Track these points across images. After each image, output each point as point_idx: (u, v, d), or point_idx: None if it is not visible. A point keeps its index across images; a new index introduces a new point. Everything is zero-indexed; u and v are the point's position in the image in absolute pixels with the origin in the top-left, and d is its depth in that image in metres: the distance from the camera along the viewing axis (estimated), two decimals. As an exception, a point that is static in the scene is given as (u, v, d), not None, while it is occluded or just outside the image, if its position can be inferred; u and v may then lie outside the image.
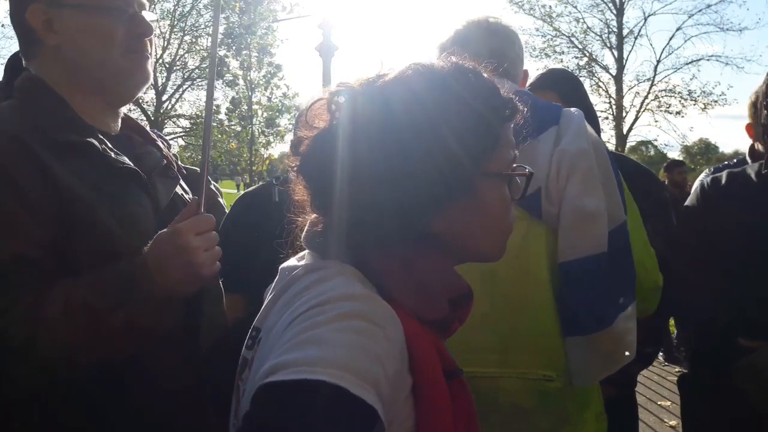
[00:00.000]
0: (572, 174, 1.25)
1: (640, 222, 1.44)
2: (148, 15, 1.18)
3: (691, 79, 26.93)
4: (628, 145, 20.84)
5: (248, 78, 23.30)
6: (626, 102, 20.50)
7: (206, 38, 19.50)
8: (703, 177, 1.88)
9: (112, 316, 0.97)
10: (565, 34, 20.90)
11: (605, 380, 1.35)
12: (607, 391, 1.43)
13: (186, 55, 20.87)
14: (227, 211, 1.87)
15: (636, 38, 20.42)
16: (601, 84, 20.66)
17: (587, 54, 20.85)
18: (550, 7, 20.79)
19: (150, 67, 1.20)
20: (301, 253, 0.85)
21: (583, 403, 1.32)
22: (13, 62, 1.65)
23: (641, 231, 1.44)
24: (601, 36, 20.72)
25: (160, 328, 1.04)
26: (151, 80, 1.23)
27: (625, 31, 20.53)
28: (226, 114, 22.00)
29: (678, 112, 20.05)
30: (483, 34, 1.41)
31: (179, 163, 1.33)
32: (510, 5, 20.60)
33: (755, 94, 1.78)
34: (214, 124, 16.76)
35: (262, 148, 23.51)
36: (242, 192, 2.44)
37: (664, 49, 20.37)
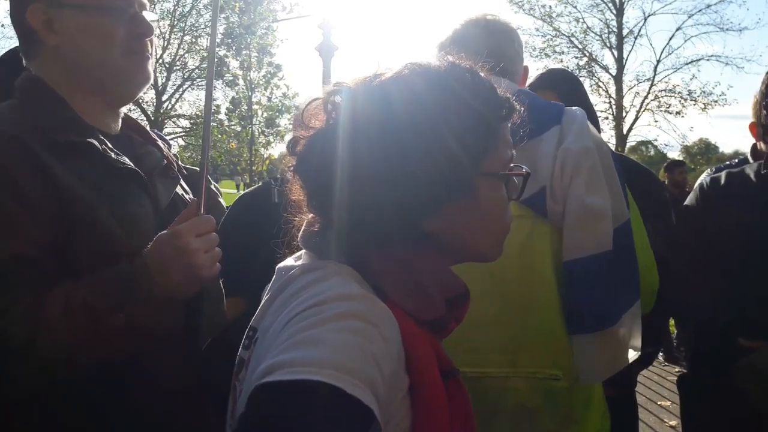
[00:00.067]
0: (577, 173, 1.25)
1: (640, 222, 1.44)
2: (148, 15, 1.18)
3: (691, 79, 26.84)
4: (628, 145, 20.83)
5: (248, 78, 23.29)
6: (626, 102, 20.52)
7: (206, 38, 19.49)
8: (704, 177, 1.88)
9: (112, 317, 0.97)
10: (565, 34, 20.92)
11: (605, 380, 1.36)
12: (607, 391, 1.43)
13: (186, 55, 20.88)
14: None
15: (636, 38, 20.44)
16: (601, 84, 20.68)
17: (587, 54, 20.86)
18: (550, 7, 20.81)
19: (150, 68, 1.20)
20: (298, 253, 0.85)
21: (589, 401, 1.32)
22: (5, 58, 1.64)
23: (642, 231, 1.44)
24: (601, 36, 20.74)
25: (160, 329, 1.04)
26: (152, 80, 1.23)
27: (625, 31, 20.54)
28: (226, 114, 22.01)
29: (678, 112, 20.05)
30: (481, 33, 1.41)
31: (179, 163, 1.33)
32: (510, 5, 20.63)
33: (758, 93, 1.78)
34: (214, 124, 16.78)
35: (262, 148, 23.51)
36: (242, 192, 2.44)
37: (664, 49, 20.38)
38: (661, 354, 5.59)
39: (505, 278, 1.24)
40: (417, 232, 0.77)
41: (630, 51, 20.61)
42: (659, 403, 4.57)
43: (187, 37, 20.36)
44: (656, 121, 20.35)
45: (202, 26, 20.06)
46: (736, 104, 22.83)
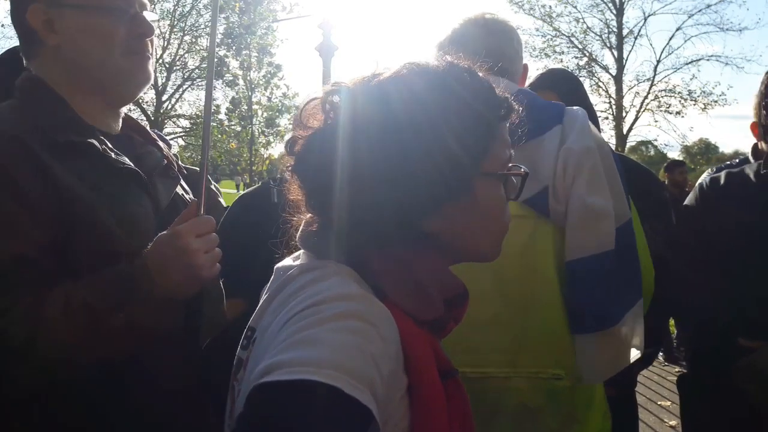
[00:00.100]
0: (579, 172, 1.25)
1: (639, 225, 1.44)
2: (149, 15, 1.18)
3: (691, 79, 26.91)
4: (628, 145, 20.83)
5: (248, 78, 23.30)
6: (626, 102, 20.52)
7: (206, 38, 19.48)
8: (704, 177, 1.88)
9: (112, 317, 0.97)
10: (565, 34, 20.92)
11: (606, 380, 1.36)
12: (607, 391, 1.43)
13: (186, 55, 20.89)
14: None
15: (636, 38, 20.45)
16: (601, 84, 20.68)
17: (587, 54, 20.86)
18: (550, 7, 20.81)
19: (151, 68, 1.20)
20: (297, 253, 0.85)
21: (590, 401, 1.32)
22: (5, 58, 1.64)
23: (640, 233, 1.45)
24: (601, 36, 20.74)
25: (160, 329, 1.04)
26: (152, 80, 1.23)
27: (625, 31, 20.55)
28: (226, 114, 22.03)
29: (678, 112, 20.06)
30: (480, 32, 1.41)
31: (179, 163, 1.33)
32: (510, 5, 20.63)
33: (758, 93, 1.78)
34: (214, 124, 16.78)
35: (262, 148, 23.53)
36: (242, 192, 2.44)
37: (664, 49, 20.40)
38: (661, 354, 5.59)
39: (507, 278, 1.24)
40: (417, 232, 0.77)
41: (630, 51, 20.66)
42: (659, 403, 4.57)
43: (187, 37, 20.38)
44: (656, 121, 20.38)
45: (202, 26, 20.08)
46: (736, 104, 22.86)
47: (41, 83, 1.13)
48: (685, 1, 53.27)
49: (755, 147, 2.13)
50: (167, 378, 1.10)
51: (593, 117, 1.99)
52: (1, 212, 0.96)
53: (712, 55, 19.99)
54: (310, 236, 0.82)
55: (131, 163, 1.13)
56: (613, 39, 20.61)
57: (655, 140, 21.71)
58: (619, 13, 20.53)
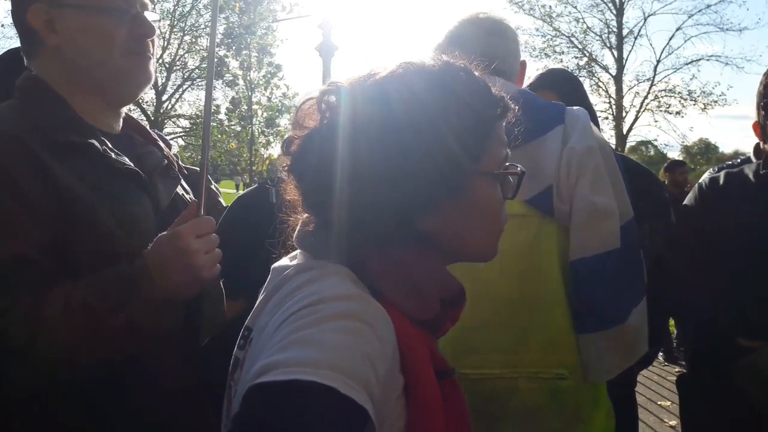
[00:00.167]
0: (582, 172, 1.25)
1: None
2: (150, 15, 1.18)
3: (691, 79, 26.92)
4: (628, 145, 20.83)
5: (248, 78, 23.30)
6: (626, 102, 20.51)
7: (206, 38, 19.49)
8: (705, 177, 1.88)
9: (112, 317, 0.97)
10: (564, 34, 20.91)
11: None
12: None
13: (186, 55, 20.89)
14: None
15: (636, 38, 20.44)
16: (601, 84, 20.67)
17: (587, 54, 20.85)
18: (550, 7, 20.80)
19: (152, 68, 1.20)
20: (293, 253, 0.85)
21: (595, 400, 1.32)
22: (5, 58, 1.63)
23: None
24: (600, 36, 20.73)
25: (160, 329, 1.04)
26: (153, 81, 1.23)
27: (624, 31, 20.54)
28: (226, 114, 22.02)
29: (678, 112, 20.05)
30: (476, 31, 1.41)
31: (180, 163, 1.33)
32: (510, 5, 20.61)
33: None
34: (214, 124, 16.77)
35: (262, 148, 23.52)
36: (241, 192, 2.44)
37: (664, 49, 20.39)
38: (661, 354, 5.59)
39: (511, 277, 1.24)
40: (416, 232, 0.77)
41: (630, 51, 20.65)
42: (659, 403, 4.57)
43: (187, 37, 20.38)
44: (656, 121, 20.38)
45: (202, 26, 20.08)
46: (736, 104, 22.86)
47: (42, 83, 1.13)
48: (685, 1, 53.35)
49: (757, 147, 2.13)
50: (167, 378, 1.10)
51: (593, 117, 1.99)
52: (1, 212, 0.96)
53: (712, 55, 20.01)
54: (307, 236, 0.82)
55: (131, 164, 1.13)
56: (613, 39, 20.62)
57: (655, 140, 21.74)
58: (619, 13, 20.52)
